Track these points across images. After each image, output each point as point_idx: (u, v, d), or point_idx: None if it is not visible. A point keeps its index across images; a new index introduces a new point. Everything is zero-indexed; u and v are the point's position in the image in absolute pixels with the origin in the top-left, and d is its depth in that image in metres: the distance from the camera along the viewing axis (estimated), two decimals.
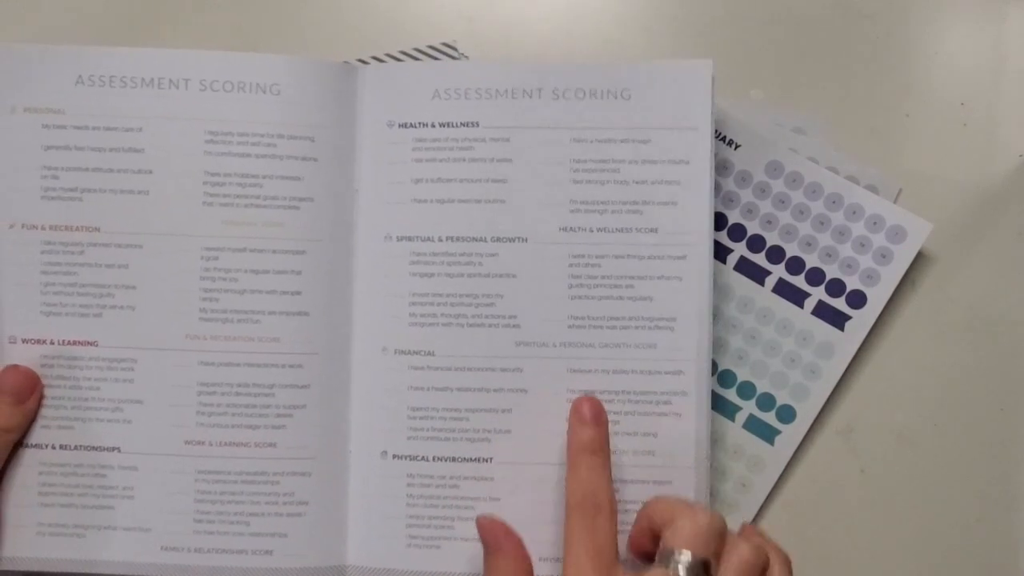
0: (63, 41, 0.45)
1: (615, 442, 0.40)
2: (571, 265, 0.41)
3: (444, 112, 0.42)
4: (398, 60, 0.45)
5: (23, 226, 0.41)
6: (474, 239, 0.41)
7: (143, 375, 0.41)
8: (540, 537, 0.41)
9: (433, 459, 0.41)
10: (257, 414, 0.41)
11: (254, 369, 0.41)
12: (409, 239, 0.42)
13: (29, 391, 0.40)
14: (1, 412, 0.39)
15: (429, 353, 0.41)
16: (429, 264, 0.41)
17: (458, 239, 0.41)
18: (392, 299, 0.42)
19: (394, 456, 0.41)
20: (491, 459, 0.41)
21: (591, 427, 0.38)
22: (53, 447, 0.41)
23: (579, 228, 0.41)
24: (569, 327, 0.41)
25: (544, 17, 0.47)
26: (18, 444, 0.40)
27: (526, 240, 0.41)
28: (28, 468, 0.41)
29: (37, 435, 0.41)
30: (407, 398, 0.41)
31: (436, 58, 0.45)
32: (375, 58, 0.45)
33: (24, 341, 0.41)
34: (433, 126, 0.42)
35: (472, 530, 0.38)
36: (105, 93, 0.41)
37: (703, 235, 0.41)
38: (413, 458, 0.41)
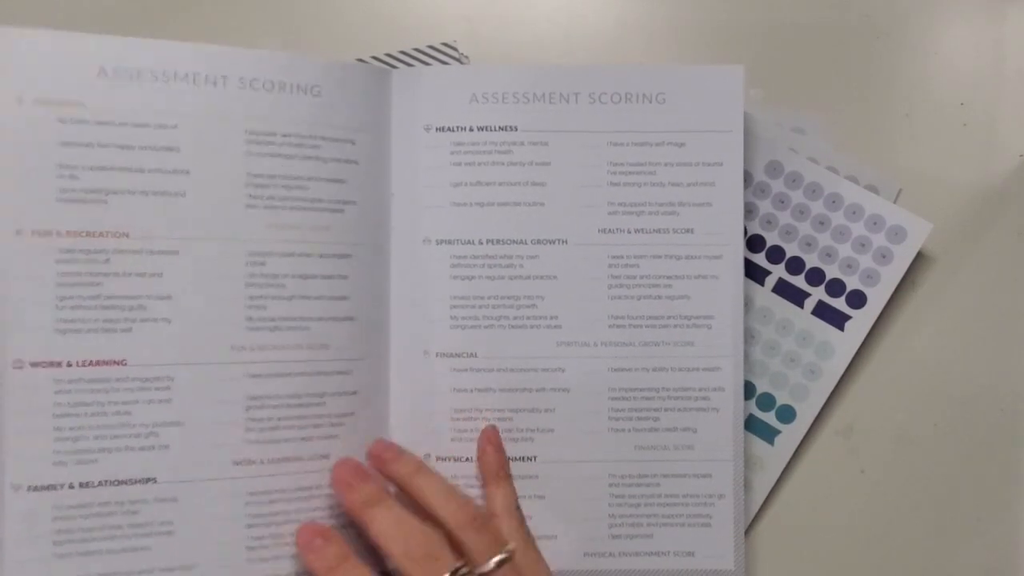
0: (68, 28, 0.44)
1: (657, 439, 0.42)
2: (610, 266, 0.42)
3: (482, 116, 0.42)
4: (399, 60, 0.45)
5: (33, 232, 0.36)
6: (514, 241, 0.42)
7: (182, 394, 0.37)
8: (586, 534, 0.41)
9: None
10: (310, 425, 0.39)
11: (305, 378, 0.39)
12: (449, 242, 0.42)
13: None
14: None
15: (471, 355, 0.41)
16: (469, 267, 0.42)
17: (498, 242, 0.42)
18: (432, 302, 0.42)
19: (438, 458, 0.41)
20: (535, 458, 0.41)
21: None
22: (71, 486, 0.36)
23: (617, 229, 0.42)
24: (609, 327, 0.42)
25: (544, 17, 0.47)
26: (21, 488, 0.35)
27: (566, 242, 0.42)
28: (38, 516, 0.35)
29: (49, 474, 0.35)
30: (450, 400, 0.41)
31: (436, 58, 0.45)
32: (375, 58, 0.45)
33: (33, 365, 0.36)
34: (471, 130, 0.42)
35: None
36: (133, 87, 0.37)
37: (736, 234, 0.42)
38: (458, 460, 0.41)
